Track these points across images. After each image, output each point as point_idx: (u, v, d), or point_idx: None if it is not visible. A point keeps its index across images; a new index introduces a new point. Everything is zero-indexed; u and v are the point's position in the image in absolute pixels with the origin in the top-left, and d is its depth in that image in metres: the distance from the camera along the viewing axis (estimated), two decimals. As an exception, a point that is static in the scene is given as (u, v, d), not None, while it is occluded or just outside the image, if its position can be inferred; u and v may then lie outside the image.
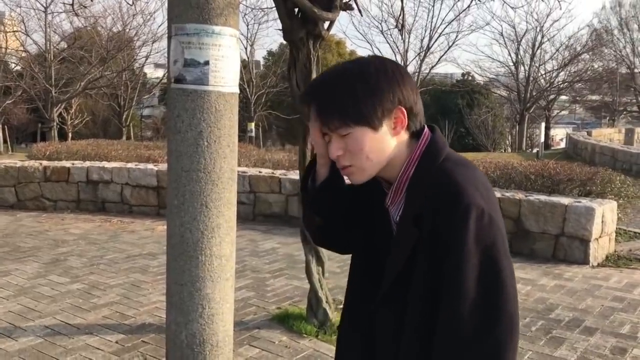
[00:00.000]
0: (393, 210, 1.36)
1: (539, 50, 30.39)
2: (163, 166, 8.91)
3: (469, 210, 1.18)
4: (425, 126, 1.35)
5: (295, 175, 8.09)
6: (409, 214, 1.27)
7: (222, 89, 3.17)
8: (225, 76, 3.18)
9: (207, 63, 3.10)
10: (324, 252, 4.21)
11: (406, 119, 1.28)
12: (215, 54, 3.11)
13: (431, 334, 1.23)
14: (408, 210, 1.28)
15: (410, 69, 27.13)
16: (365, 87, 1.24)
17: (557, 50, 30.58)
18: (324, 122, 1.27)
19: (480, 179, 1.27)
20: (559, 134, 40.77)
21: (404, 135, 1.31)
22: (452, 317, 1.19)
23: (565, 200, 6.60)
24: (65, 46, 24.01)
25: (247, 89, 27.30)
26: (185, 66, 3.10)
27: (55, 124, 23.11)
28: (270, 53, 35.28)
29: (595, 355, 3.93)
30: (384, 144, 1.28)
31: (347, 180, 1.41)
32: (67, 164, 9.10)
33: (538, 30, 29.91)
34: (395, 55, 27.68)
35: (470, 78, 36.31)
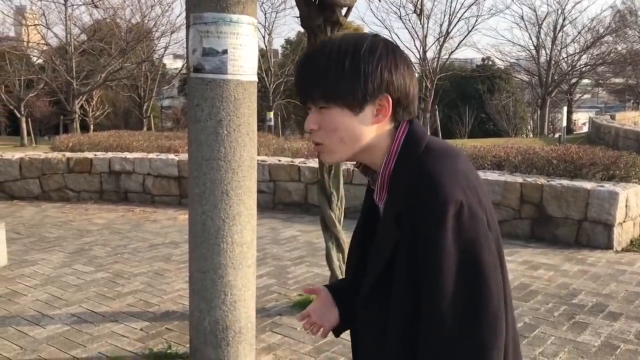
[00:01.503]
0: (381, 207, 1.30)
1: (560, 33, 29.88)
2: (184, 156, 8.98)
3: (446, 205, 1.12)
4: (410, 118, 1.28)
5: (314, 163, 8.10)
6: (389, 212, 1.21)
7: (241, 78, 3.18)
8: (243, 64, 3.19)
9: (225, 52, 3.12)
10: (345, 240, 4.22)
11: (390, 107, 1.21)
12: (234, 42, 3.12)
13: (415, 335, 1.19)
14: (389, 208, 1.23)
15: (430, 54, 26.95)
16: (352, 65, 1.17)
17: (579, 32, 30.08)
18: (305, 89, 1.22)
19: (463, 170, 1.20)
20: (582, 118, 40.16)
21: (387, 125, 1.23)
22: (434, 318, 1.15)
23: (588, 185, 6.52)
24: (86, 38, 24.21)
25: (266, 78, 27.31)
26: (204, 55, 3.12)
27: (77, 116, 23.37)
28: (288, 41, 35.20)
29: (620, 340, 3.89)
30: (361, 130, 1.21)
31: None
32: (89, 155, 9.22)
33: (559, 12, 29.42)
34: (414, 41, 27.49)
35: (490, 63, 35.89)
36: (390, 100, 1.20)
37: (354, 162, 1.34)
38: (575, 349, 3.75)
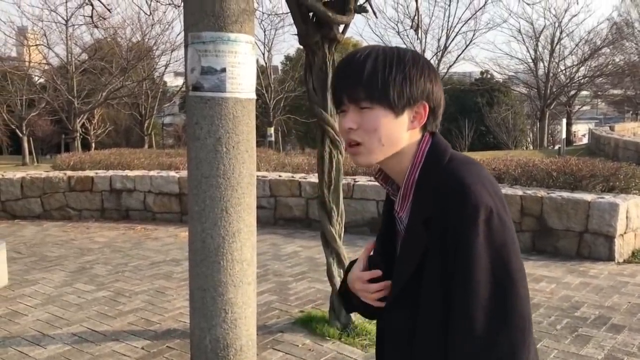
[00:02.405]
0: (403, 216, 1.33)
1: (558, 46, 30.02)
2: (185, 173, 9.00)
3: (478, 210, 1.16)
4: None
5: (315, 178, 8.11)
6: (417, 217, 1.25)
7: (240, 95, 3.21)
8: (242, 82, 3.22)
9: (223, 70, 3.15)
10: (345, 255, 4.22)
11: (426, 115, 1.27)
12: (232, 60, 3.15)
13: (445, 337, 1.21)
14: (416, 213, 1.26)
15: (428, 69, 27.01)
16: (399, 69, 1.22)
17: (577, 45, 30.18)
18: (348, 90, 1.25)
19: (488, 177, 1.25)
20: (581, 130, 40.21)
21: (417, 133, 1.29)
22: (465, 320, 1.17)
23: (588, 197, 6.52)
24: (86, 58, 24.35)
25: (266, 94, 27.43)
26: (203, 74, 3.14)
27: (78, 134, 23.46)
28: (287, 58, 35.43)
29: (624, 353, 3.87)
30: (399, 133, 1.25)
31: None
32: (90, 173, 9.25)
33: (556, 25, 29.56)
34: (412, 56, 27.57)
35: (489, 76, 36.02)
36: (427, 108, 1.27)
37: (375, 173, 1.39)
38: (578, 362, 3.74)
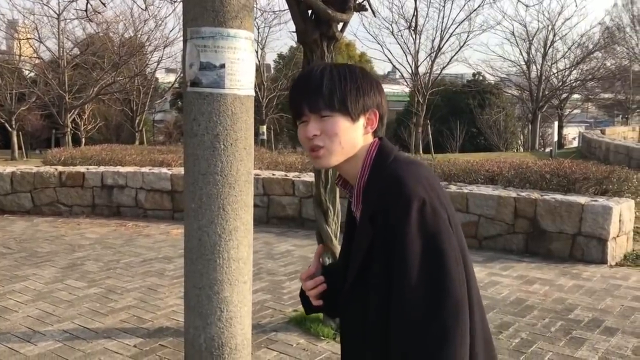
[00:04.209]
0: (358, 215, 1.45)
1: (550, 49, 30.16)
2: (177, 170, 8.94)
3: (410, 202, 1.28)
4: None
5: (308, 177, 8.08)
6: (365, 214, 1.37)
7: (238, 92, 3.17)
8: (241, 79, 3.18)
9: (222, 66, 3.11)
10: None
11: (377, 121, 1.44)
12: (231, 56, 3.12)
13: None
14: (365, 210, 1.38)
15: (422, 69, 27.05)
16: (352, 82, 1.39)
17: (569, 48, 30.34)
18: (310, 102, 1.39)
19: (424, 174, 1.37)
20: (571, 133, 40.44)
21: (369, 137, 1.45)
22: (400, 303, 1.28)
23: (581, 199, 6.54)
24: (78, 52, 24.17)
25: (259, 92, 27.35)
26: (201, 69, 3.11)
27: (69, 129, 23.27)
28: (280, 56, 35.37)
29: (617, 356, 3.88)
30: (355, 137, 1.41)
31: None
32: (82, 169, 9.17)
33: (550, 28, 29.68)
34: (406, 56, 27.62)
35: (481, 78, 36.14)
36: (378, 115, 1.44)
37: (336, 180, 1.56)
38: (573, 364, 3.74)
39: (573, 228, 6.44)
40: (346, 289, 1.43)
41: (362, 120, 1.41)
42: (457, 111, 33.38)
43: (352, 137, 1.40)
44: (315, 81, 1.40)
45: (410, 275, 1.27)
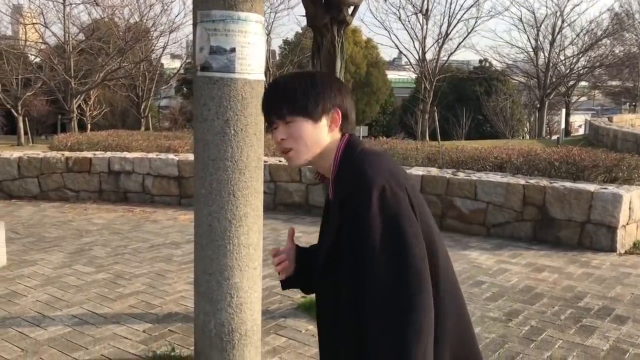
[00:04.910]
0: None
1: (558, 36, 29.92)
2: (184, 156, 8.93)
3: (371, 188, 1.41)
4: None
5: (315, 164, 8.05)
6: (335, 201, 1.50)
7: (249, 77, 3.13)
8: (251, 63, 3.14)
9: (233, 50, 3.07)
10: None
11: (340, 119, 1.56)
12: (242, 40, 3.08)
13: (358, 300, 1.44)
14: (335, 198, 1.52)
15: (429, 55, 26.90)
16: (312, 87, 1.53)
17: (578, 35, 30.12)
18: (276, 109, 1.55)
19: (386, 163, 1.50)
20: (578, 121, 40.21)
21: (337, 134, 1.58)
22: (367, 279, 1.40)
23: (591, 187, 6.49)
24: (84, 38, 24.10)
25: (264, 79, 27.21)
26: (212, 53, 3.07)
27: (74, 115, 23.27)
28: (286, 42, 35.17)
29: (629, 344, 3.86)
30: (320, 136, 1.55)
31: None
32: (88, 154, 9.16)
33: (558, 15, 29.45)
34: (413, 42, 27.45)
35: (487, 65, 35.90)
36: (340, 113, 1.56)
37: (315, 175, 1.70)
38: (584, 352, 3.72)
39: (582, 216, 6.40)
40: (319, 268, 1.56)
41: (324, 121, 1.54)
42: (463, 98, 33.21)
43: (316, 137, 1.54)
44: (279, 91, 1.56)
45: (374, 253, 1.39)
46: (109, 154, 9.15)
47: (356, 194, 1.42)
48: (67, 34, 22.90)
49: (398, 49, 27.76)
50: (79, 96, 23.52)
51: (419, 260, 1.38)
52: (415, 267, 1.38)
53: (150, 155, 9.06)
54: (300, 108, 1.52)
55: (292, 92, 1.53)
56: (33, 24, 23.33)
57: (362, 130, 23.56)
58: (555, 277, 5.32)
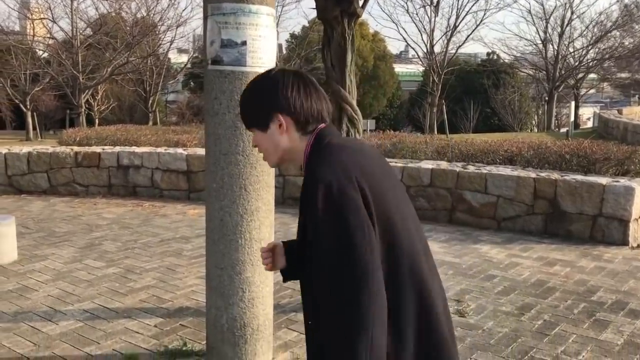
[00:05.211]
0: None
1: (568, 28, 29.69)
2: (192, 150, 8.92)
3: (317, 184, 1.46)
4: (324, 124, 1.64)
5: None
6: (302, 196, 1.55)
7: (260, 70, 3.09)
8: (262, 56, 3.12)
9: (244, 43, 3.05)
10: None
11: (286, 121, 1.59)
12: (253, 33, 3.05)
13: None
14: (302, 192, 1.57)
15: (437, 48, 26.75)
16: (251, 100, 1.63)
17: (587, 27, 29.86)
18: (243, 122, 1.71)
19: (341, 159, 1.52)
20: (586, 113, 39.93)
21: (295, 133, 1.61)
22: (315, 268, 1.46)
23: (602, 180, 6.44)
24: (91, 32, 24.13)
25: (271, 72, 27.13)
26: (223, 47, 3.05)
27: (83, 110, 23.32)
28: (293, 36, 35.07)
29: (642, 338, 3.82)
30: (275, 140, 1.62)
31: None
32: (97, 149, 9.17)
33: (567, 6, 29.21)
34: (421, 35, 27.31)
35: (495, 57, 35.67)
36: (284, 117, 1.59)
37: (300, 170, 1.73)
38: (598, 347, 3.68)
39: (594, 209, 6.35)
40: (297, 260, 1.65)
41: (273, 126, 1.60)
42: (471, 91, 33.01)
43: (272, 141, 1.62)
44: (240, 107, 1.69)
45: (320, 245, 1.45)
46: (117, 149, 9.16)
47: (306, 190, 1.49)
48: (74, 29, 22.93)
49: (406, 41, 27.84)
50: (87, 91, 23.57)
51: (363, 255, 1.41)
52: (358, 261, 1.41)
53: (159, 149, 9.06)
54: (249, 120, 1.66)
55: (243, 107, 1.67)
56: (41, 19, 23.38)
57: (370, 124, 23.49)
58: (567, 270, 5.28)
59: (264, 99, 1.61)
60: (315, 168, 1.51)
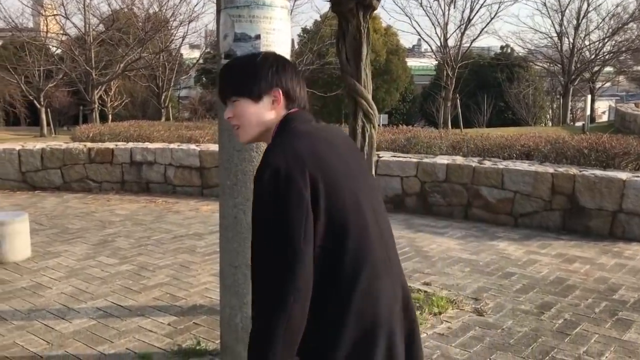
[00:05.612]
0: None
1: (584, 20, 29.28)
2: (205, 147, 8.88)
3: (265, 168, 1.49)
4: (297, 109, 1.68)
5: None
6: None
7: (274, 64, 3.04)
8: (276, 50, 3.03)
9: (258, 37, 2.97)
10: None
11: (282, 98, 1.64)
12: (267, 27, 2.97)
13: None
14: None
15: (451, 42, 26.50)
16: (251, 68, 1.65)
17: (603, 19, 29.43)
18: (223, 91, 1.71)
19: (296, 146, 1.53)
20: (601, 107, 39.46)
21: (281, 111, 1.66)
22: (251, 247, 1.50)
23: (622, 175, 6.30)
24: (104, 28, 24.17)
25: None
26: (236, 41, 2.97)
27: (96, 106, 23.39)
28: (305, 30, 34.92)
29: (667, 338, 3.72)
30: (262, 113, 1.64)
31: None
32: (110, 145, 9.16)
33: (583, -2, 28.76)
34: (435, 28, 27.08)
35: (509, 51, 35.30)
36: (281, 92, 1.65)
37: None
38: (622, 347, 3.58)
39: (613, 205, 6.22)
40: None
41: (266, 99, 1.63)
42: (485, 85, 32.72)
43: (258, 114, 1.63)
44: (224, 74, 1.70)
45: (256, 231, 1.48)
46: (130, 145, 9.14)
47: (257, 172, 1.51)
48: (87, 25, 22.98)
49: (419, 35, 27.57)
50: (99, 87, 23.62)
51: (296, 244, 1.44)
52: (290, 249, 1.44)
53: (172, 145, 9.04)
54: (240, 88, 1.64)
55: (234, 74, 1.67)
56: (54, 15, 23.46)
57: (382, 119, 23.38)
58: (587, 268, 5.17)
59: (265, 70, 1.64)
60: (270, 151, 1.53)
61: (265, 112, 1.64)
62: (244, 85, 1.64)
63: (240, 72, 1.67)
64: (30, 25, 27.59)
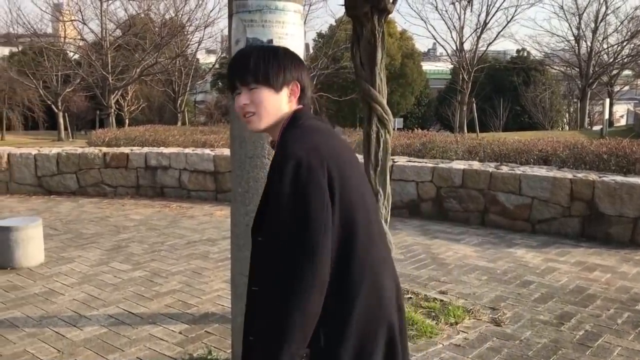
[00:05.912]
0: None
1: (602, 23, 28.94)
2: (220, 151, 8.86)
3: (287, 160, 1.50)
4: (303, 106, 1.70)
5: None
6: (269, 172, 1.59)
7: (287, 69, 2.98)
8: (289, 55, 2.99)
9: (270, 42, 2.91)
10: (392, 240, 4.00)
11: (299, 91, 1.68)
12: (279, 31, 2.92)
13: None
14: (270, 168, 1.60)
15: (467, 46, 26.32)
16: (275, 59, 1.65)
17: (622, 22, 29.08)
18: (240, 76, 1.65)
19: (313, 139, 1.57)
20: (619, 111, 38.97)
21: (294, 106, 1.68)
22: (269, 236, 1.51)
23: (644, 181, 6.16)
24: (120, 34, 24.37)
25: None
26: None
27: (112, 110, 23.57)
28: (320, 35, 34.90)
29: (693, 351, 3.59)
30: (279, 104, 1.66)
31: None
32: (126, 150, 9.17)
33: (601, 1, 28.47)
34: (451, 32, 26.92)
35: (525, 54, 35.00)
36: (299, 86, 1.68)
37: (270, 143, 1.77)
38: (645, 361, 3.47)
39: (635, 211, 6.08)
40: (253, 224, 1.70)
41: (285, 91, 1.65)
42: (501, 89, 32.47)
43: (276, 104, 1.64)
44: (244, 60, 1.66)
45: (277, 219, 1.48)
46: (145, 149, 9.15)
47: (276, 164, 1.52)
48: (104, 30, 23.21)
49: (435, 39, 27.44)
50: (116, 92, 23.82)
51: (316, 235, 1.46)
52: (310, 240, 1.45)
53: (187, 150, 9.03)
54: (264, 77, 1.63)
55: (257, 62, 1.64)
56: (72, 20, 23.71)
57: (398, 122, 23.24)
58: (607, 276, 5.04)
59: (288, 62, 1.67)
60: (288, 144, 1.55)
61: (282, 103, 1.67)
62: (267, 73, 1.64)
63: (263, 60, 1.65)
64: (49, 30, 27.96)
